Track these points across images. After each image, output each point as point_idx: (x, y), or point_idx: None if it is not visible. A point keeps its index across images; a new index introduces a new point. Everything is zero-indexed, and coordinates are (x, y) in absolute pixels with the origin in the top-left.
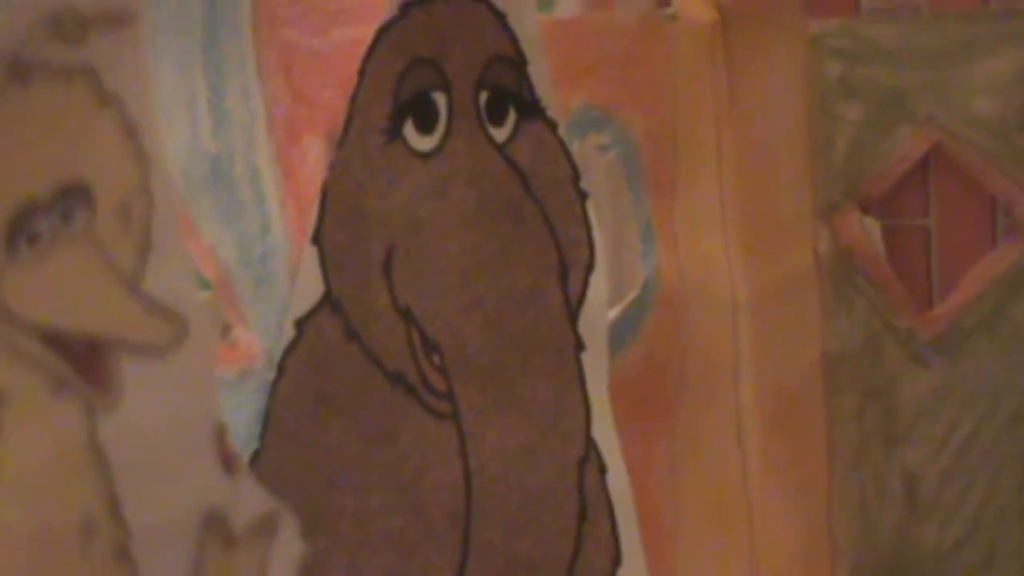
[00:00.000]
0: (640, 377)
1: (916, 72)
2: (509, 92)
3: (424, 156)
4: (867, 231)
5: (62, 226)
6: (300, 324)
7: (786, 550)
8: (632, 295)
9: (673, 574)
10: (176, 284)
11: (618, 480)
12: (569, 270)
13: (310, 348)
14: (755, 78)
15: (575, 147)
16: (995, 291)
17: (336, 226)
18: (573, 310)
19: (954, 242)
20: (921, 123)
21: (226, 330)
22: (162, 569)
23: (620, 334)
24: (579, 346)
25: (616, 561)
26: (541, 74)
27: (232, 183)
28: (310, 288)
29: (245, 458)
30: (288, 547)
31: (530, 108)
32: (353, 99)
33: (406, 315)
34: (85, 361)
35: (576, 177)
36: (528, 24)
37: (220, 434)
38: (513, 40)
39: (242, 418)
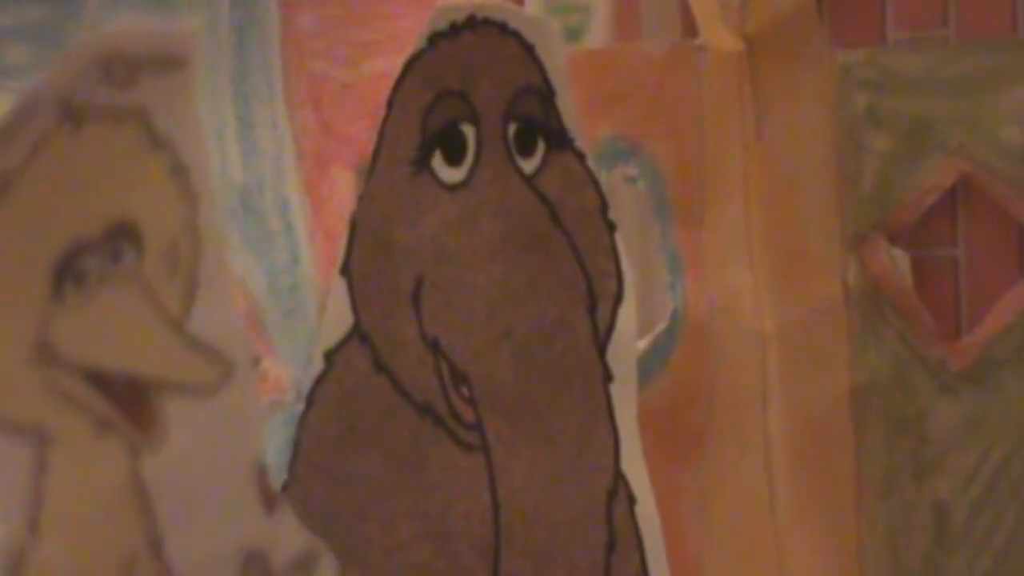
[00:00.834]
0: (668, 408)
1: (944, 102)
2: (538, 123)
3: (452, 188)
4: (895, 262)
5: (110, 266)
6: (329, 356)
7: None
8: (660, 327)
9: None
10: (222, 325)
11: (647, 511)
12: (598, 301)
13: (339, 380)
14: (782, 109)
15: (603, 178)
16: None
17: (364, 257)
18: (601, 341)
19: (982, 272)
20: (949, 153)
21: (255, 362)
22: None
23: (648, 365)
24: (608, 377)
25: None
26: (569, 105)
27: (261, 215)
28: (339, 319)
29: None
30: None
31: (559, 139)
32: (381, 131)
33: (434, 346)
34: (129, 401)
35: (604, 208)
36: (556, 55)
37: (262, 473)
38: (542, 71)
39: (271, 449)
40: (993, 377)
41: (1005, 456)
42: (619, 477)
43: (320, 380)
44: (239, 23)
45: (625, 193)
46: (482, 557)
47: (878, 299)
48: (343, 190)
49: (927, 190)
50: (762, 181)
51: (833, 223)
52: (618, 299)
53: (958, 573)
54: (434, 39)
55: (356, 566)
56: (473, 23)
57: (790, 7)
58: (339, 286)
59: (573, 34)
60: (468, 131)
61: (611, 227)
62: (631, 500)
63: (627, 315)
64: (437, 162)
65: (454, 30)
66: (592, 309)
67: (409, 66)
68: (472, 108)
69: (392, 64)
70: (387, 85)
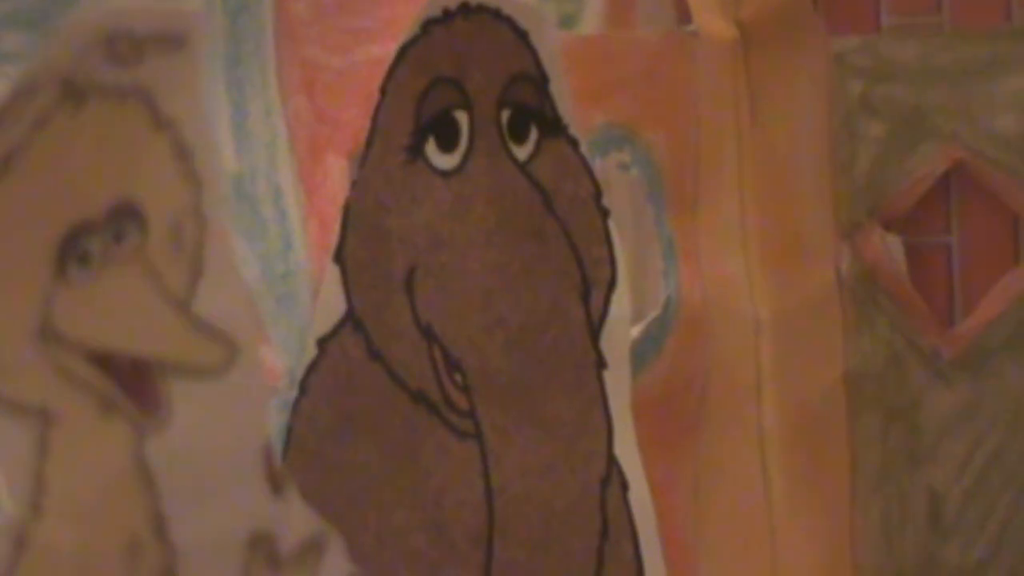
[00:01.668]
0: (662, 396)
1: (938, 90)
2: (531, 110)
3: (446, 175)
4: (889, 249)
5: (113, 247)
6: (322, 343)
7: (809, 570)
8: (654, 314)
9: None
10: (227, 306)
11: (640, 499)
12: (591, 288)
13: (332, 367)
14: (776, 96)
15: (597, 165)
16: (1018, 309)
17: (358, 245)
18: (595, 328)
19: (976, 260)
20: (943, 141)
21: None
22: None
23: (642, 352)
24: (601, 364)
25: None
26: (563, 92)
27: (254, 202)
28: (332, 307)
29: None
30: (335, 567)
31: (552, 126)
32: (375, 118)
33: (428, 333)
34: (134, 382)
35: (598, 195)
36: (550, 42)
37: (268, 455)
38: (535, 58)
39: None
40: (986, 365)
41: (998, 444)
42: (612, 464)
43: (313, 367)
44: (232, 10)
45: (619, 180)
46: (476, 544)
47: (872, 287)
48: (336, 177)
49: (921, 178)
50: (756, 169)
51: (827, 210)
52: (612, 286)
53: (952, 561)
54: (427, 26)
55: (350, 553)
56: (466, 10)
57: None
58: (332, 273)
59: (567, 21)
60: (461, 118)
61: (605, 214)
62: (624, 487)
63: (621, 302)
64: (430, 149)
65: (447, 17)
66: (586, 296)
67: (402, 53)
68: (465, 95)
69: (386, 51)
70: (381, 72)
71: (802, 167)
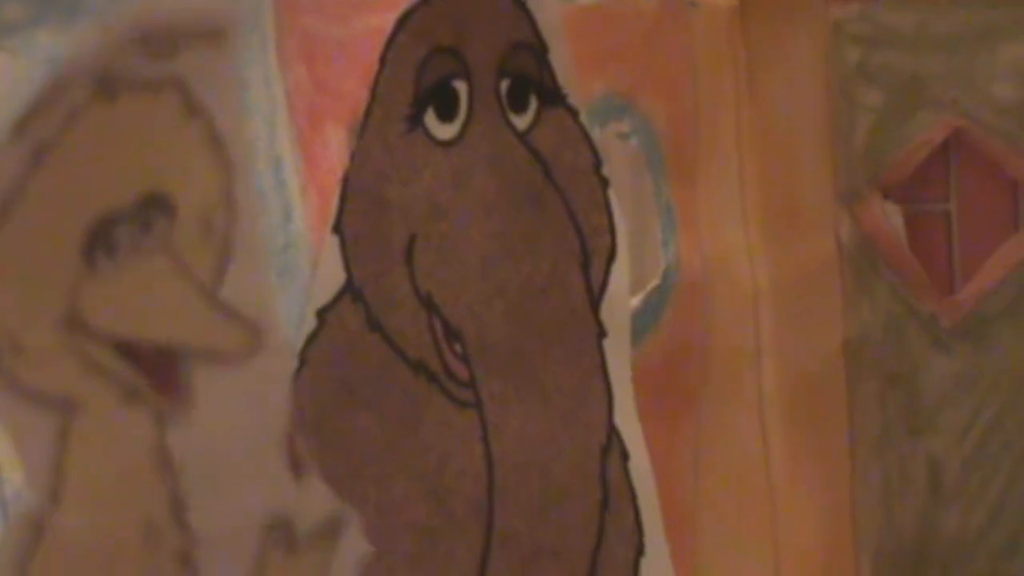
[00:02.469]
0: (662, 365)
1: (936, 57)
2: (530, 79)
3: (445, 144)
4: (888, 217)
5: (142, 236)
6: (322, 314)
7: (809, 537)
8: (653, 283)
9: (695, 561)
10: (254, 293)
11: (641, 468)
12: (591, 257)
13: (332, 338)
14: (775, 65)
15: (596, 135)
16: (1018, 276)
17: (357, 215)
18: (595, 297)
19: (976, 227)
20: (942, 108)
21: None
22: (224, 575)
23: (642, 322)
24: (601, 333)
25: (639, 549)
26: (562, 61)
27: (255, 168)
28: (331, 277)
29: None
30: (352, 548)
31: (551, 95)
32: (374, 88)
33: (427, 303)
34: (158, 369)
35: (598, 164)
36: (549, 11)
37: (291, 439)
38: (534, 27)
39: None
40: (986, 332)
41: (998, 411)
42: (613, 433)
43: (313, 338)
44: None
45: (618, 149)
46: (476, 514)
47: (871, 255)
48: (336, 148)
49: (920, 145)
50: (755, 137)
51: (826, 178)
52: (611, 255)
53: (951, 528)
54: None
55: None
56: None
57: None
58: (332, 244)
59: None
60: (461, 87)
61: (604, 183)
62: (625, 456)
63: (620, 271)
64: (430, 119)
65: None
66: (585, 265)
67: (402, 22)
68: (465, 64)
69: (385, 20)
70: (380, 42)
71: (801, 135)
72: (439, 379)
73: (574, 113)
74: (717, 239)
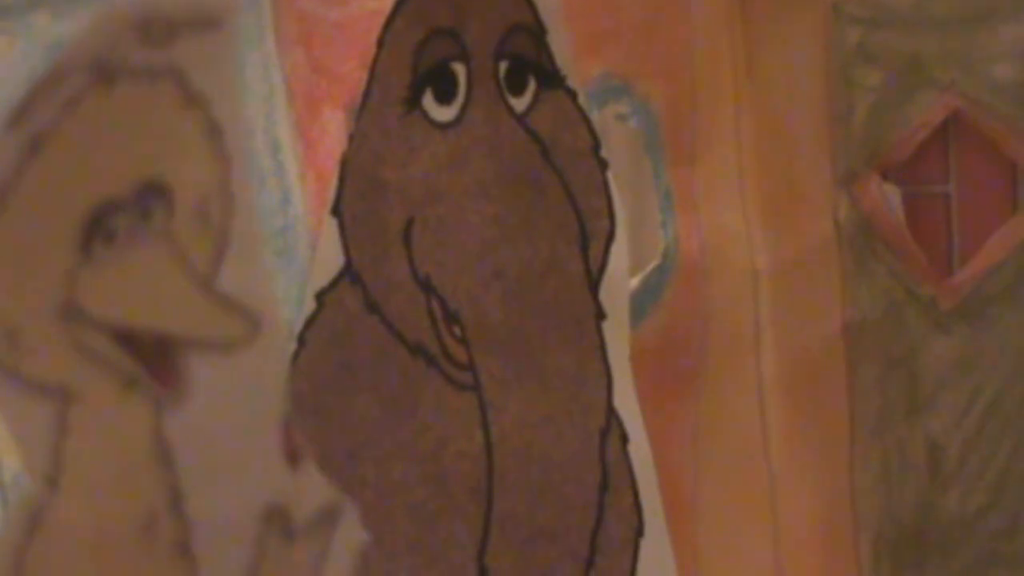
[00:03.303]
0: (661, 347)
1: (935, 38)
2: (529, 62)
3: (443, 127)
4: (887, 198)
5: (139, 225)
6: (320, 296)
7: (808, 519)
8: (652, 265)
9: (695, 544)
10: (251, 282)
11: (640, 450)
12: (590, 240)
13: (330, 320)
14: (774, 45)
15: (595, 117)
16: (1017, 257)
17: (355, 197)
18: (594, 280)
19: (975, 208)
20: (941, 89)
21: None
22: (221, 564)
23: (640, 304)
24: (600, 316)
25: (638, 531)
26: (561, 43)
27: (252, 156)
28: (330, 260)
29: None
30: (348, 536)
31: (550, 77)
32: (372, 70)
33: (426, 286)
34: (155, 358)
35: (596, 146)
36: None
37: (286, 428)
38: (532, 9)
39: None
40: (985, 314)
41: (997, 393)
42: (612, 416)
43: (311, 321)
44: None
45: (617, 131)
46: (475, 496)
47: (870, 236)
48: (334, 130)
49: (919, 126)
50: (753, 118)
51: (824, 160)
52: (610, 237)
53: (951, 510)
54: None
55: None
56: None
57: None
58: (330, 226)
59: None
60: (459, 69)
61: (603, 165)
62: (624, 439)
63: (619, 253)
64: (428, 101)
65: None
66: (584, 247)
67: (400, 4)
68: (463, 46)
69: (383, 2)
70: (378, 24)
71: (799, 117)
72: (438, 361)
73: (573, 95)
74: (716, 221)
